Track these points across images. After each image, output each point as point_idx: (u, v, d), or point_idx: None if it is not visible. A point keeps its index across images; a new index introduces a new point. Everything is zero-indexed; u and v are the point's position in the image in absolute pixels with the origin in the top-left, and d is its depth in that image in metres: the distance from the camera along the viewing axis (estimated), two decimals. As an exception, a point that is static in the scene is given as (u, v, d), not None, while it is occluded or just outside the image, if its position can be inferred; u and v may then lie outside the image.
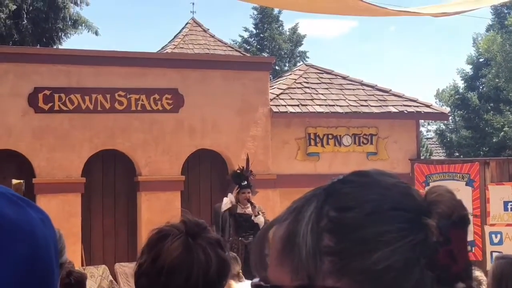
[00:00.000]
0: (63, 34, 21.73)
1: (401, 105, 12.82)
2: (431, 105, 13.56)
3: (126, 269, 10.54)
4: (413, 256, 0.80)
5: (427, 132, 34.18)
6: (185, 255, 1.64)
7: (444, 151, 30.29)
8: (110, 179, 11.55)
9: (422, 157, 15.74)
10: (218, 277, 1.65)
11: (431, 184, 12.25)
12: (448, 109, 26.41)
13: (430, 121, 29.35)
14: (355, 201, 0.83)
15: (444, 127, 31.04)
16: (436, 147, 31.44)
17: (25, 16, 20.29)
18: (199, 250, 1.65)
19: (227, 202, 8.94)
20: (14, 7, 19.67)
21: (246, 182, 8.97)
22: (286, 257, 0.84)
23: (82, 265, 10.47)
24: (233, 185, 9.22)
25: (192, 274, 1.62)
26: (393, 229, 0.81)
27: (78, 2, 21.93)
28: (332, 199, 0.84)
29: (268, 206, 11.85)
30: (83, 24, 21.89)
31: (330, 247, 0.81)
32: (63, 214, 10.66)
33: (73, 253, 10.35)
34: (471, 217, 11.90)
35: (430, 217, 0.83)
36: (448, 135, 30.04)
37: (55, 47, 20.93)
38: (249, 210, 8.87)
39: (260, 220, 8.78)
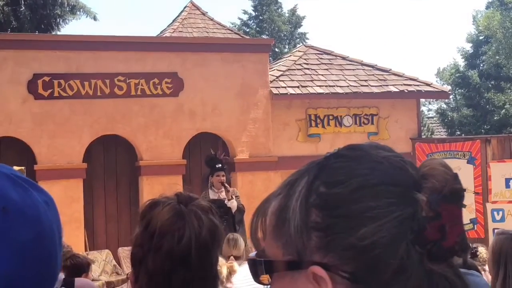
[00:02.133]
0: (61, 20, 21.65)
1: (401, 85, 12.79)
2: (431, 83, 13.52)
3: (129, 253, 10.59)
4: (400, 232, 0.79)
5: (428, 111, 34.16)
6: (176, 218, 1.65)
7: (445, 130, 30.28)
8: (112, 164, 11.56)
9: (423, 136, 15.72)
10: (211, 240, 1.65)
11: (433, 163, 12.29)
12: (449, 87, 26.34)
13: (431, 100, 29.30)
14: (344, 175, 0.83)
15: (445, 106, 31.00)
16: (437, 126, 31.42)
17: (23, 2, 20.20)
18: (191, 214, 1.67)
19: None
20: (12, -7, 19.60)
21: (220, 165, 8.68)
22: (278, 232, 0.85)
23: (86, 250, 10.52)
24: (207, 170, 8.98)
25: (184, 236, 1.62)
26: (380, 204, 0.80)
27: (76, -12, 21.83)
28: (323, 173, 0.84)
29: (270, 188, 11.87)
30: (81, 10, 21.81)
31: (317, 223, 0.81)
32: (66, 199, 10.68)
33: (76, 238, 10.40)
34: (471, 194, 11.96)
35: (421, 191, 0.82)
36: (449, 113, 30.01)
37: (53, 33, 20.87)
38: (223, 194, 8.58)
39: (233, 204, 8.47)
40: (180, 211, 1.67)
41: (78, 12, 21.82)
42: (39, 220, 0.93)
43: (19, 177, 0.96)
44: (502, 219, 11.73)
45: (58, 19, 21.50)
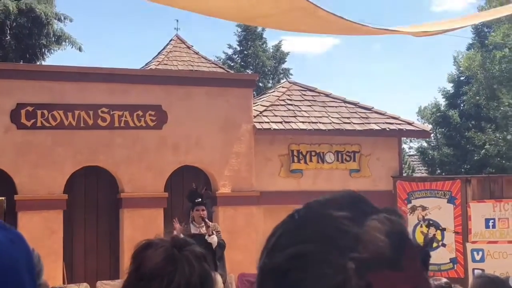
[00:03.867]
0: (46, 50, 21.69)
1: (383, 123, 12.92)
2: (413, 123, 13.68)
3: (108, 287, 10.45)
4: None
5: (409, 149, 34.40)
6: (167, 263, 1.65)
7: (426, 168, 30.48)
8: (93, 195, 11.49)
9: (404, 174, 15.83)
10: (200, 287, 1.65)
11: (413, 202, 12.35)
12: (430, 126, 26.61)
13: (413, 138, 29.54)
14: (284, 244, 0.86)
15: (426, 144, 31.27)
16: (418, 164, 31.63)
17: (8, 31, 20.23)
18: (183, 259, 1.66)
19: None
20: (-3, 22, 19.63)
21: (199, 199, 8.64)
22: None
23: (64, 283, 10.38)
24: (188, 205, 8.94)
25: (173, 282, 1.62)
26: (313, 274, 0.81)
27: (62, 18, 21.93)
28: (272, 239, 0.89)
29: (252, 223, 11.86)
30: (67, 40, 21.87)
31: None
32: (45, 231, 10.58)
33: (54, 271, 10.26)
34: (451, 234, 12.02)
35: (353, 258, 0.81)
36: (430, 152, 30.24)
37: (38, 63, 20.88)
38: (204, 229, 8.51)
39: (213, 240, 8.39)
40: (172, 256, 1.66)
41: (63, 43, 21.88)
42: None
43: None
44: (482, 259, 11.78)
45: (43, 49, 21.53)
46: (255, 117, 12.27)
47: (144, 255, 1.68)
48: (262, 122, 12.25)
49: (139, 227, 11.12)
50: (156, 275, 1.63)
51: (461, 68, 28.63)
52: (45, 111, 10.86)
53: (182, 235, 8.10)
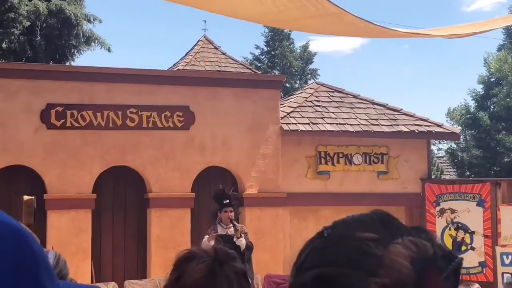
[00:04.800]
0: (76, 50, 21.93)
1: (412, 125, 12.81)
2: (442, 124, 13.53)
3: (136, 286, 10.53)
4: None
5: (438, 150, 34.06)
6: (208, 278, 1.66)
7: (455, 170, 30.14)
8: (121, 195, 11.58)
9: (433, 176, 15.68)
10: None
11: (442, 204, 12.23)
12: (459, 128, 26.32)
13: (441, 140, 29.24)
14: (310, 263, 0.88)
15: (455, 146, 30.92)
16: (447, 166, 31.29)
17: (38, 32, 20.49)
18: (223, 276, 1.67)
19: (204, 242, 8.44)
20: (28, 23, 19.88)
21: (227, 201, 8.57)
22: None
23: (92, 282, 10.47)
24: (216, 206, 8.88)
25: None
26: None
27: (91, 19, 22.15)
28: (301, 257, 0.91)
29: (278, 224, 11.85)
30: (96, 41, 22.08)
31: None
32: (74, 230, 10.70)
33: (83, 270, 10.38)
34: (480, 237, 11.87)
35: (376, 282, 0.82)
36: (459, 154, 29.91)
37: (68, 63, 21.12)
38: (231, 230, 8.47)
39: (242, 243, 8.35)
40: (213, 272, 1.67)
41: (92, 43, 22.10)
42: None
43: None
44: (511, 263, 11.61)
45: (72, 50, 21.77)
46: (282, 118, 12.25)
47: (186, 267, 1.69)
48: (289, 124, 12.23)
49: (167, 227, 11.19)
50: None
51: (491, 70, 28.27)
52: (75, 111, 10.98)
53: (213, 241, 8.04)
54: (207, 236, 8.37)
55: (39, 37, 20.52)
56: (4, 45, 19.63)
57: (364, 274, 0.82)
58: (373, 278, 0.81)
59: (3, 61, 19.19)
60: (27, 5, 19.95)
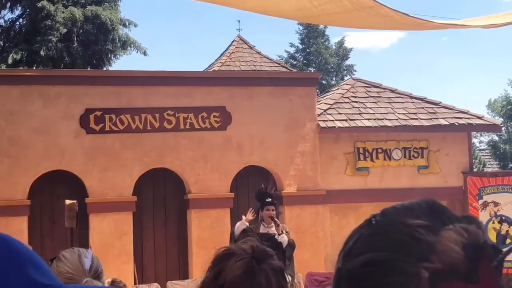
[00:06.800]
0: (112, 55, 22.17)
1: (452, 117, 12.61)
2: (482, 116, 13.29)
3: (178, 287, 10.60)
4: None
5: (479, 143, 33.51)
6: (247, 276, 1.65)
7: (497, 162, 29.62)
8: (161, 197, 11.67)
9: (475, 169, 15.42)
10: None
11: (485, 198, 12.01)
12: (501, 119, 25.83)
13: (483, 132, 28.75)
14: (359, 250, 0.87)
15: (497, 138, 30.38)
16: (489, 158, 30.78)
17: (75, 39, 20.78)
18: (261, 274, 1.66)
19: (239, 225, 8.55)
20: (65, 30, 20.19)
21: (269, 199, 8.56)
22: None
23: (135, 284, 10.58)
24: (257, 205, 8.89)
25: None
26: (386, 281, 0.83)
27: (127, 24, 22.38)
28: (349, 244, 0.90)
29: (318, 222, 11.79)
30: (132, 45, 22.30)
31: None
32: (116, 232, 10.82)
33: (125, 272, 10.48)
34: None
35: (427, 267, 0.81)
36: (501, 146, 29.38)
37: (105, 68, 21.38)
38: (272, 229, 8.45)
39: (283, 239, 8.36)
40: (251, 269, 1.67)
41: (128, 48, 22.31)
42: None
43: None
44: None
45: (109, 55, 22.03)
46: (319, 115, 12.18)
47: (224, 264, 1.69)
48: (327, 121, 12.15)
49: (207, 228, 11.23)
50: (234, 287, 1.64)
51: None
52: (113, 116, 11.09)
53: (247, 224, 8.20)
54: (244, 217, 8.55)
55: (76, 44, 20.80)
56: (42, 53, 19.96)
57: (416, 260, 0.82)
58: (425, 263, 0.81)
59: (41, 68, 19.53)
60: (63, 12, 20.26)
